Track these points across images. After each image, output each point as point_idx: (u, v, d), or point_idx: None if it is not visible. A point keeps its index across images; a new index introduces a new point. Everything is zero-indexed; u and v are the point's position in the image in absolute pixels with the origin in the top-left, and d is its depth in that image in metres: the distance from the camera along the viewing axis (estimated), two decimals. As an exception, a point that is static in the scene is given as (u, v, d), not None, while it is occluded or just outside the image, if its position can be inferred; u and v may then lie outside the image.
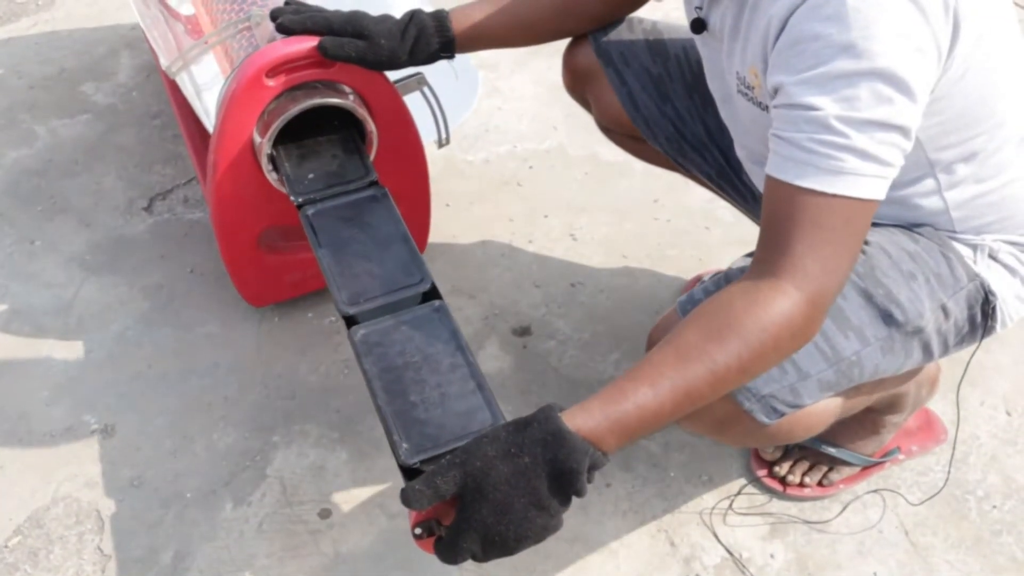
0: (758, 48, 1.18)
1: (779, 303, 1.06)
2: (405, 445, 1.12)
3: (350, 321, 1.31)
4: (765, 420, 1.24)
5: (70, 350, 1.80)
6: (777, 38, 1.12)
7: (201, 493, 1.58)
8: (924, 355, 1.32)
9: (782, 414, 1.25)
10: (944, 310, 1.28)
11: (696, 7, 1.35)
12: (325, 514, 1.56)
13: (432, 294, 1.35)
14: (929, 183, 1.27)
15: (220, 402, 1.71)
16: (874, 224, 1.29)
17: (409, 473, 1.10)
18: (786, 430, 1.28)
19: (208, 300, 1.88)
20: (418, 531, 1.05)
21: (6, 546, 1.52)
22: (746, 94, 1.26)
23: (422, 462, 1.10)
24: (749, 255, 1.26)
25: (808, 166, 1.08)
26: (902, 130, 1.08)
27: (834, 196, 1.07)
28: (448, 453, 1.05)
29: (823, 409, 1.30)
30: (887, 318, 1.25)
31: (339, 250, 1.41)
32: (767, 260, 1.09)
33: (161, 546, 1.52)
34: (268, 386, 1.74)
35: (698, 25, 1.34)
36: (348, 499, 1.58)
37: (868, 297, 1.25)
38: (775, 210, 1.10)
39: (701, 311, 1.09)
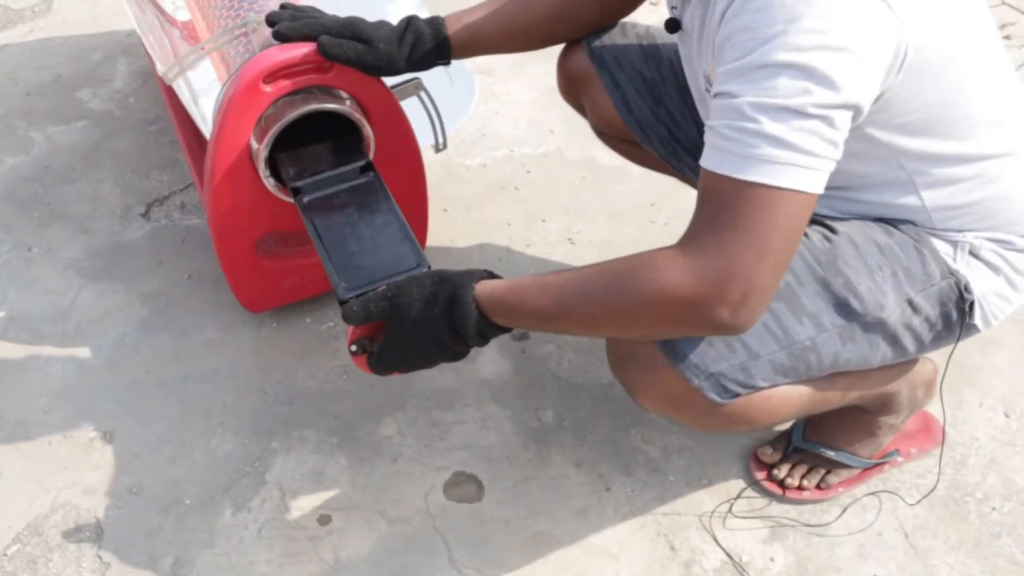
0: (712, 45, 1.20)
1: (665, 267, 1.11)
2: (343, 284, 1.35)
3: (296, 192, 1.53)
4: (716, 399, 1.27)
5: (68, 357, 1.79)
6: (718, 33, 1.15)
7: (200, 500, 1.58)
8: (894, 349, 1.33)
9: (735, 394, 1.27)
10: (911, 304, 1.29)
11: (672, 6, 1.37)
12: (324, 520, 1.56)
13: (368, 168, 1.56)
14: (903, 182, 1.28)
15: (219, 408, 1.71)
16: (852, 219, 1.31)
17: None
18: (742, 412, 1.31)
19: (206, 306, 1.88)
20: (354, 348, 1.30)
21: (5, 554, 1.52)
22: (711, 91, 1.27)
23: (356, 296, 1.30)
24: None
25: (725, 153, 1.10)
26: (824, 119, 1.08)
27: (745, 182, 1.08)
28: (379, 286, 1.30)
29: (786, 396, 1.32)
30: (843, 307, 1.27)
31: (291, 139, 1.56)
32: (682, 237, 1.14)
33: (160, 553, 1.52)
34: (266, 392, 1.74)
35: (673, 25, 1.36)
36: (347, 505, 1.58)
37: (826, 285, 1.27)
38: (699, 195, 1.14)
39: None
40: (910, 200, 1.29)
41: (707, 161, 1.12)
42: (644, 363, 1.27)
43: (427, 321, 1.23)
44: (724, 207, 1.10)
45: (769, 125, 1.07)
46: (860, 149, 1.24)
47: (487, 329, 1.23)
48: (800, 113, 1.07)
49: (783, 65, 1.07)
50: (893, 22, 1.10)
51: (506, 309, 1.22)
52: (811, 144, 1.08)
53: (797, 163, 1.08)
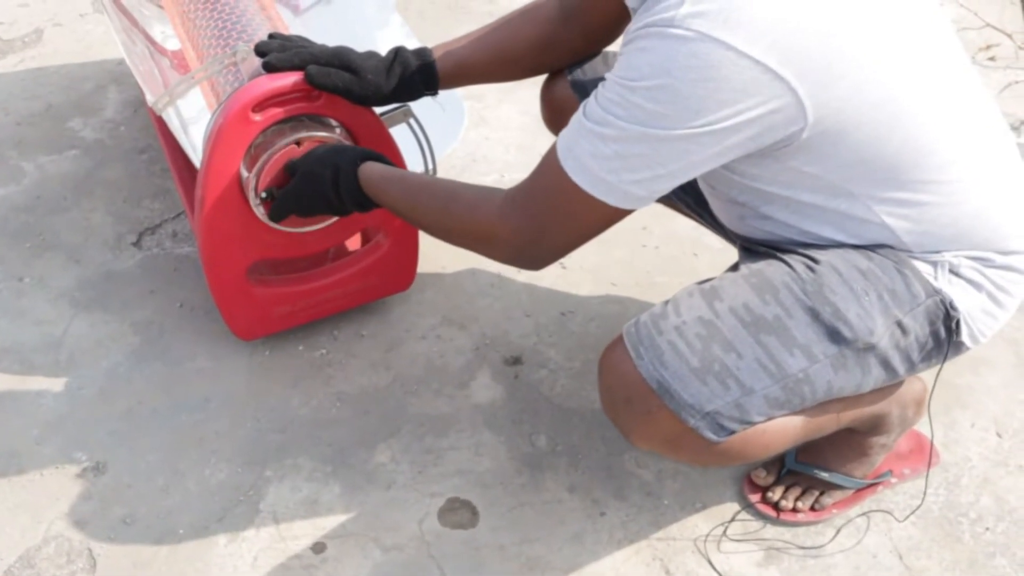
0: None
1: (485, 206, 1.35)
2: None
3: None
4: (713, 437, 1.27)
5: (60, 387, 1.79)
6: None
7: (194, 529, 1.58)
8: (886, 372, 1.33)
9: (731, 431, 1.27)
10: (901, 326, 1.30)
11: None
12: (319, 548, 1.55)
13: None
14: (863, 212, 1.29)
15: (211, 437, 1.71)
16: (831, 247, 1.33)
17: None
18: (738, 448, 1.32)
19: (198, 334, 1.88)
20: (263, 195, 1.57)
21: (-3, 587, 1.51)
22: None
23: None
24: (703, 282, 1.34)
25: (563, 134, 1.26)
26: (643, 159, 1.19)
27: (561, 168, 1.24)
28: None
29: (780, 427, 1.32)
30: (834, 335, 1.27)
31: None
32: (515, 185, 1.33)
33: (154, 584, 1.51)
34: (259, 420, 1.73)
35: None
36: (342, 533, 1.57)
37: (815, 315, 1.27)
38: (546, 152, 1.30)
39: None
40: (878, 226, 1.30)
41: (563, 130, 1.27)
42: (638, 405, 1.28)
43: (319, 179, 1.49)
44: (546, 177, 1.28)
45: (594, 137, 1.21)
46: (792, 179, 1.27)
47: (363, 200, 1.49)
48: (624, 142, 1.18)
49: (633, 105, 1.17)
50: (777, 89, 1.15)
51: (375, 191, 1.47)
52: (617, 169, 1.21)
53: (601, 176, 1.22)
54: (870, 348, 1.28)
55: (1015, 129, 2.35)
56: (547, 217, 1.29)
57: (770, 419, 1.29)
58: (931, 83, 1.26)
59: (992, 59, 2.58)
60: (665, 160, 1.19)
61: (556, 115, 1.72)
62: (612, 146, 1.19)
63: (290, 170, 1.54)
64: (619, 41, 1.62)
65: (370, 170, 1.48)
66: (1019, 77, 2.52)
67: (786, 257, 1.32)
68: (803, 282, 1.28)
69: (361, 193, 1.48)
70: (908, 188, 1.27)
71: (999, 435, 1.70)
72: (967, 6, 2.69)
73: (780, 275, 1.29)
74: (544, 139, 2.27)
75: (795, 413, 1.32)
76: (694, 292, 1.31)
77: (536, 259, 1.37)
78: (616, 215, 1.27)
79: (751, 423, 1.28)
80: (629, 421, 1.31)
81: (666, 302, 1.31)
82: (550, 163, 1.27)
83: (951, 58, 1.30)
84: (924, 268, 1.31)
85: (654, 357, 1.25)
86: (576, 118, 1.25)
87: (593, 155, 1.21)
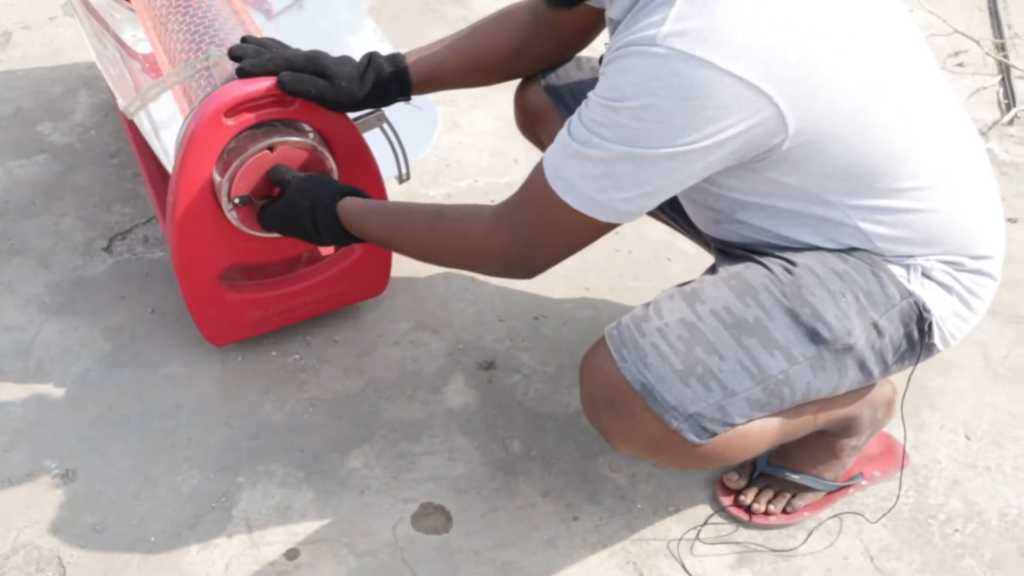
0: None
1: (475, 227, 1.37)
2: None
3: None
4: (695, 439, 1.28)
5: (30, 394, 1.77)
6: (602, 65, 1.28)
7: (165, 536, 1.57)
8: (861, 373, 1.34)
9: (713, 433, 1.29)
10: (876, 328, 1.31)
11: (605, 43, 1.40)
12: (292, 555, 1.55)
13: None
14: (839, 216, 1.31)
15: (183, 443, 1.70)
16: (806, 250, 1.34)
17: None
18: (720, 450, 1.32)
19: (170, 340, 1.86)
20: (236, 200, 1.56)
21: (-34, 596, 1.49)
22: None
23: None
24: (682, 284, 1.35)
25: (550, 153, 1.27)
26: (629, 177, 1.21)
27: (549, 187, 1.26)
28: None
29: (760, 429, 1.33)
30: (814, 336, 1.28)
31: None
32: (503, 202, 1.36)
33: (125, 592, 1.50)
34: (232, 426, 1.73)
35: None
36: (315, 539, 1.57)
37: (795, 317, 1.28)
38: (533, 168, 1.31)
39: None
40: (851, 231, 1.32)
41: (549, 148, 1.28)
42: (621, 409, 1.28)
43: (298, 209, 1.50)
44: (533, 195, 1.30)
45: (581, 158, 1.22)
46: (769, 190, 1.29)
47: (341, 234, 1.49)
48: (610, 162, 1.20)
49: (619, 125, 1.18)
50: (759, 103, 1.16)
51: (356, 226, 1.47)
52: (605, 188, 1.22)
53: (590, 195, 1.23)
54: (848, 349, 1.30)
55: (983, 134, 2.37)
56: (538, 233, 1.32)
57: (750, 421, 1.30)
58: (902, 91, 1.27)
59: (960, 65, 2.61)
60: (652, 178, 1.21)
61: (530, 120, 1.73)
62: (599, 166, 1.21)
63: (275, 177, 1.54)
64: (592, 46, 1.64)
65: (350, 205, 1.48)
66: (987, 83, 2.55)
67: (763, 260, 1.33)
68: (782, 284, 1.29)
69: (339, 228, 1.48)
70: (882, 195, 1.28)
71: (968, 437, 1.72)
72: (936, 13, 2.72)
73: (759, 277, 1.31)
74: (517, 144, 2.28)
75: (774, 415, 1.33)
76: (675, 295, 1.31)
77: (528, 271, 1.39)
78: (606, 228, 1.29)
79: (732, 425, 1.29)
80: (612, 424, 1.31)
81: (647, 305, 1.32)
82: (537, 181, 1.28)
83: (921, 65, 1.31)
84: (898, 271, 1.33)
85: (637, 359, 1.26)
86: (561, 137, 1.25)
87: (581, 175, 1.23)
